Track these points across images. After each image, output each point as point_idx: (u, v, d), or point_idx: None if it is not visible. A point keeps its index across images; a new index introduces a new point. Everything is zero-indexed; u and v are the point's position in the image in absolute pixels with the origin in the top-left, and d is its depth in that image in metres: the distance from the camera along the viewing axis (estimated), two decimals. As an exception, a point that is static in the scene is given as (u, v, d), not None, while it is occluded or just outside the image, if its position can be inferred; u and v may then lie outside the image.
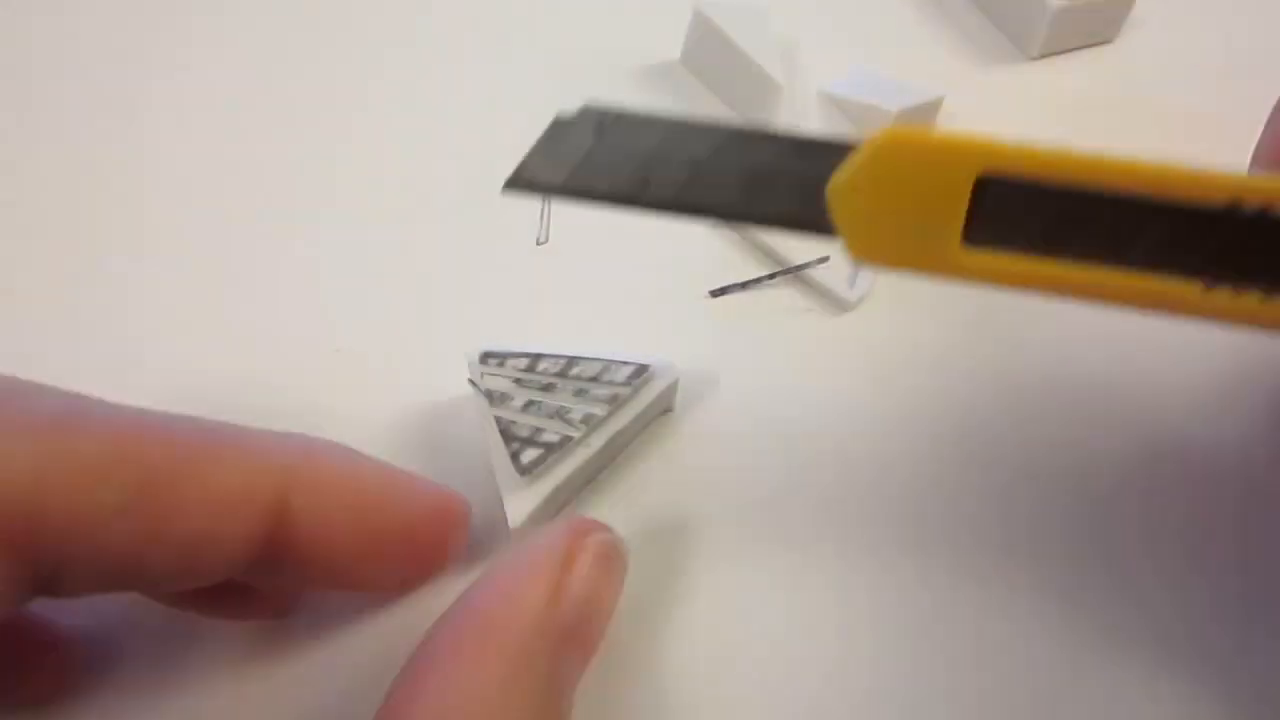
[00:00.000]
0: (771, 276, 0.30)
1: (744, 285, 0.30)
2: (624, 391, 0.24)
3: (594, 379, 0.24)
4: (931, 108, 0.34)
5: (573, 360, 0.24)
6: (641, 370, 0.24)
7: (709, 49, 0.35)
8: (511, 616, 0.18)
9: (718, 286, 0.30)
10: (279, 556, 0.19)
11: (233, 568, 0.19)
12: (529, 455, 0.23)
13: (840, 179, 0.18)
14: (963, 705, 0.22)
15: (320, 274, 0.29)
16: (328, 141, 0.33)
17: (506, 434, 0.23)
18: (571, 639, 0.19)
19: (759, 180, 0.19)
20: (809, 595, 0.24)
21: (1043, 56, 0.37)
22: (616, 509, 0.25)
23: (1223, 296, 0.18)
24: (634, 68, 0.36)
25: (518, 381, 0.24)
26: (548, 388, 0.24)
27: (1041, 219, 0.18)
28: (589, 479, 0.25)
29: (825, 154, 0.19)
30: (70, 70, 0.35)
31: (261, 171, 0.32)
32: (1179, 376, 0.28)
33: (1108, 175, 0.18)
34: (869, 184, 0.18)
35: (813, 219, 0.19)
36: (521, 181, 0.19)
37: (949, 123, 0.35)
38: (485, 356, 0.24)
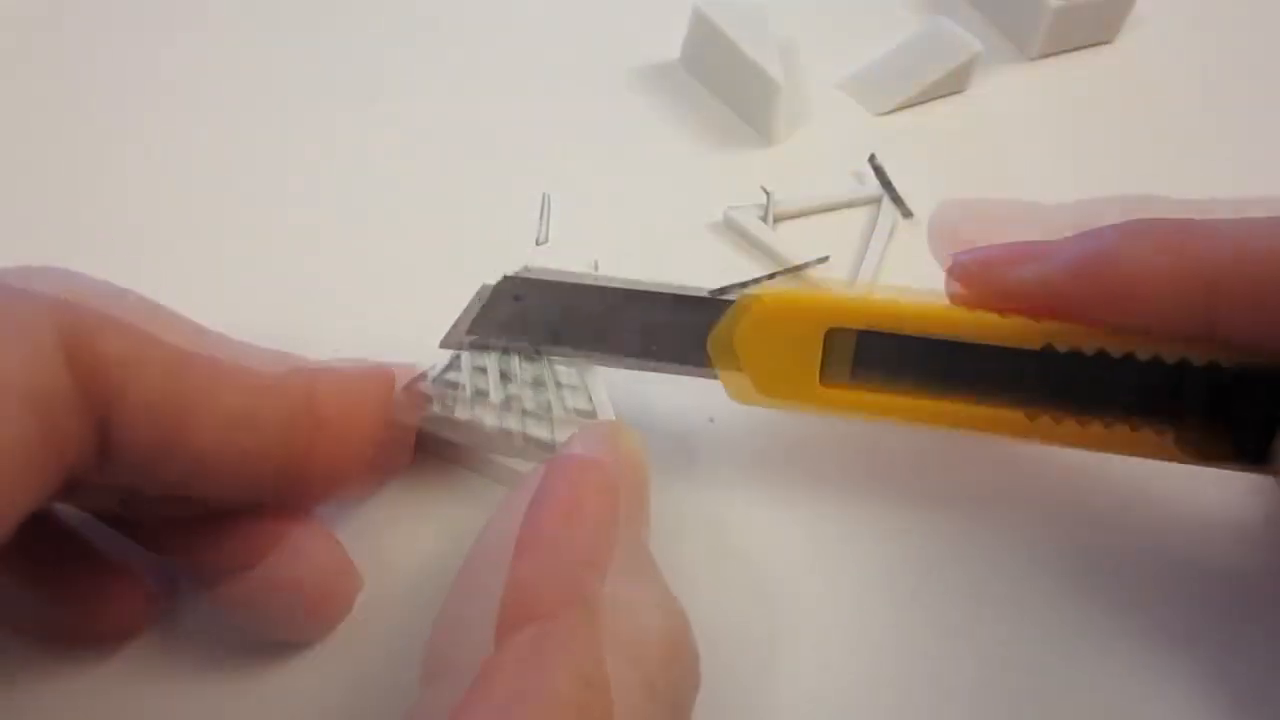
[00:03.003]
0: (771, 276, 0.30)
1: (744, 285, 0.29)
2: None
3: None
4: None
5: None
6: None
7: (709, 49, 0.35)
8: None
9: (718, 286, 0.29)
10: (311, 442, 0.20)
11: (273, 442, 0.19)
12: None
13: (717, 334, 0.22)
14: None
15: (320, 275, 0.29)
16: (324, 144, 0.33)
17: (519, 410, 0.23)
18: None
19: (651, 333, 0.23)
20: (800, 594, 0.24)
21: (1043, 56, 0.37)
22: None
23: (1044, 422, 0.21)
24: (634, 68, 0.36)
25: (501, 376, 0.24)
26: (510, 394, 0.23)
27: (885, 360, 0.22)
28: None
29: (705, 311, 0.23)
30: (64, 70, 0.35)
31: (259, 174, 0.32)
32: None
33: (932, 325, 0.21)
34: (741, 338, 0.22)
35: (699, 365, 0.23)
36: (453, 341, 0.23)
37: (949, 123, 0.35)
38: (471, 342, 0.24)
